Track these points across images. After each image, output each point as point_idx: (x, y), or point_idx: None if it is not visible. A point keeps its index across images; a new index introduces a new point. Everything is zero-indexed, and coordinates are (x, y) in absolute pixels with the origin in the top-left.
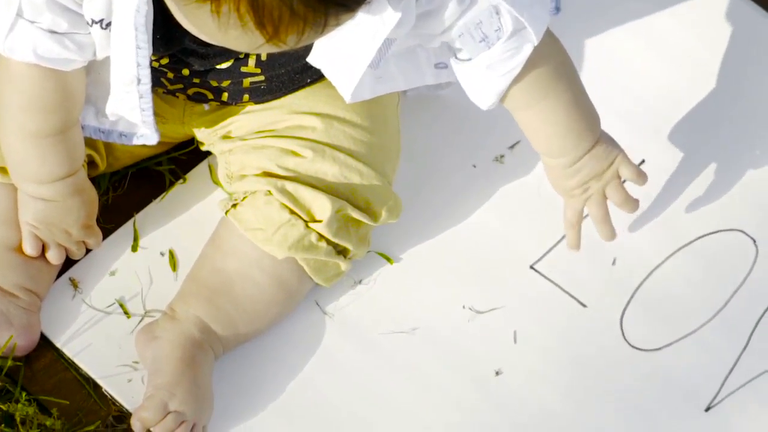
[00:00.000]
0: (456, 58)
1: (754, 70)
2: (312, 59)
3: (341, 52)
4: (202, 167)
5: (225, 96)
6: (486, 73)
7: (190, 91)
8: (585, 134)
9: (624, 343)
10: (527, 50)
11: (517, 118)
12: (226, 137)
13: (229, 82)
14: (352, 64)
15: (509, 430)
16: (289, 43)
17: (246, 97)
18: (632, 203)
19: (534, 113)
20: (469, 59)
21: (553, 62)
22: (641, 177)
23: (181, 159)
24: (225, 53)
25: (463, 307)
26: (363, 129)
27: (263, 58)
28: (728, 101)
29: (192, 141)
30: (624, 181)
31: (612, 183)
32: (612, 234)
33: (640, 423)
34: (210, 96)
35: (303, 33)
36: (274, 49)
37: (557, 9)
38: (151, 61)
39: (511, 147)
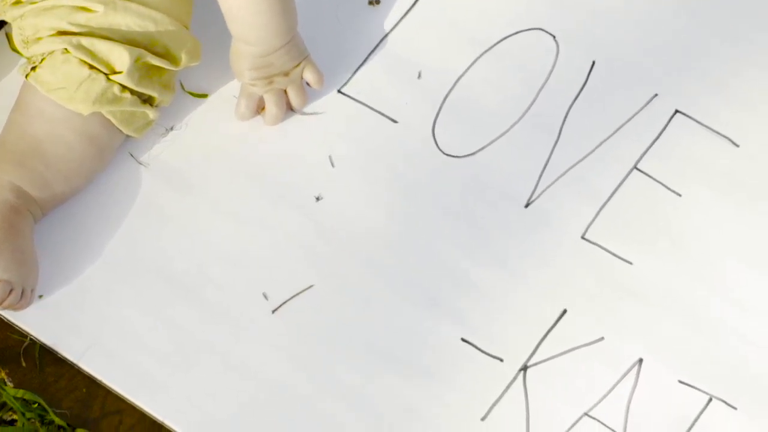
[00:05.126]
0: None
1: None
2: None
3: None
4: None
5: None
6: None
7: None
8: (283, 28)
9: (438, 152)
10: None
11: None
12: (16, 3)
13: None
14: None
15: (337, 253)
16: None
17: None
18: (304, 106)
19: None
20: None
21: None
22: (321, 83)
23: None
24: None
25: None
26: None
27: None
28: None
29: None
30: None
31: (296, 83)
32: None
33: (464, 228)
34: None
35: None
36: None
37: None
38: None
39: None
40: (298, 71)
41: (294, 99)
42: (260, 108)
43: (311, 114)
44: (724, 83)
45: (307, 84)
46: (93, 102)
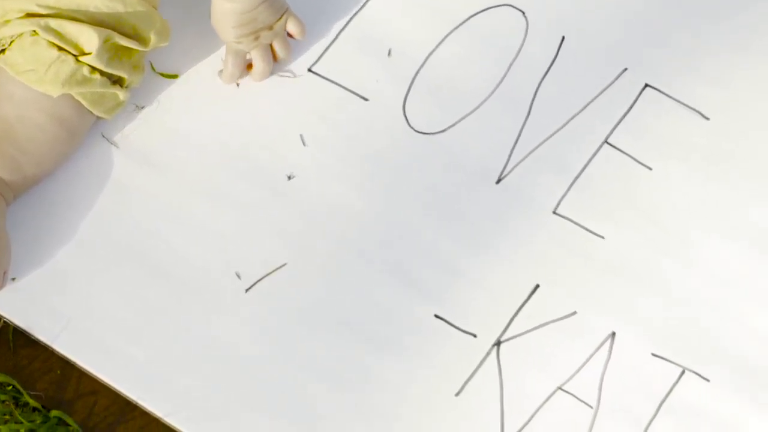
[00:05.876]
0: None
1: None
2: None
3: None
4: None
5: None
6: None
7: None
8: None
9: (410, 129)
10: None
11: None
12: None
13: None
14: None
15: (309, 231)
16: None
17: None
18: (289, 57)
19: None
20: None
21: None
22: (304, 33)
23: None
24: None
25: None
26: None
27: None
28: None
29: None
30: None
31: (280, 35)
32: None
33: (435, 204)
34: None
35: None
36: None
37: None
38: None
39: None
40: (282, 24)
41: (281, 51)
42: (247, 66)
43: (288, 77)
44: (694, 57)
45: (290, 36)
46: (62, 83)
